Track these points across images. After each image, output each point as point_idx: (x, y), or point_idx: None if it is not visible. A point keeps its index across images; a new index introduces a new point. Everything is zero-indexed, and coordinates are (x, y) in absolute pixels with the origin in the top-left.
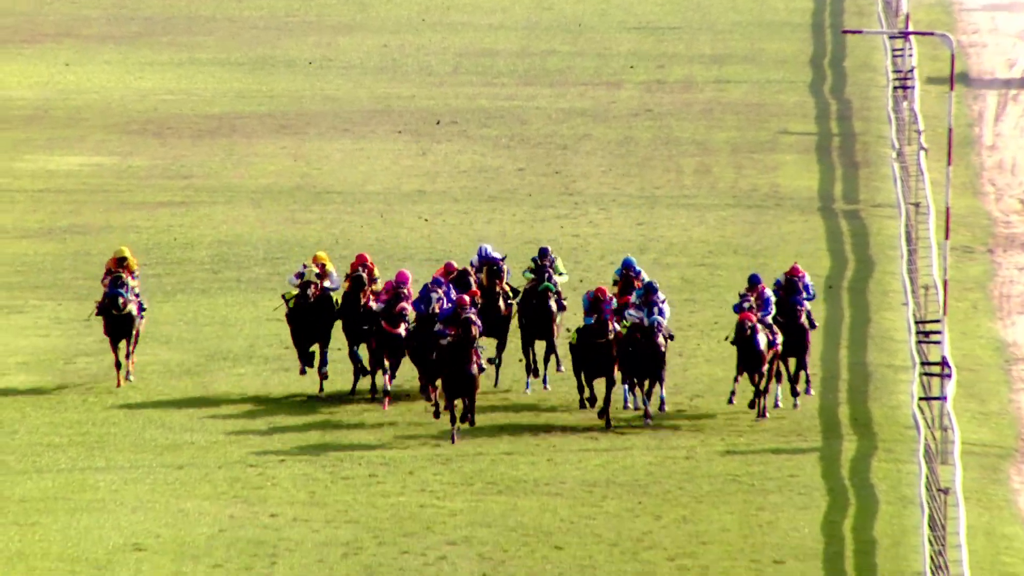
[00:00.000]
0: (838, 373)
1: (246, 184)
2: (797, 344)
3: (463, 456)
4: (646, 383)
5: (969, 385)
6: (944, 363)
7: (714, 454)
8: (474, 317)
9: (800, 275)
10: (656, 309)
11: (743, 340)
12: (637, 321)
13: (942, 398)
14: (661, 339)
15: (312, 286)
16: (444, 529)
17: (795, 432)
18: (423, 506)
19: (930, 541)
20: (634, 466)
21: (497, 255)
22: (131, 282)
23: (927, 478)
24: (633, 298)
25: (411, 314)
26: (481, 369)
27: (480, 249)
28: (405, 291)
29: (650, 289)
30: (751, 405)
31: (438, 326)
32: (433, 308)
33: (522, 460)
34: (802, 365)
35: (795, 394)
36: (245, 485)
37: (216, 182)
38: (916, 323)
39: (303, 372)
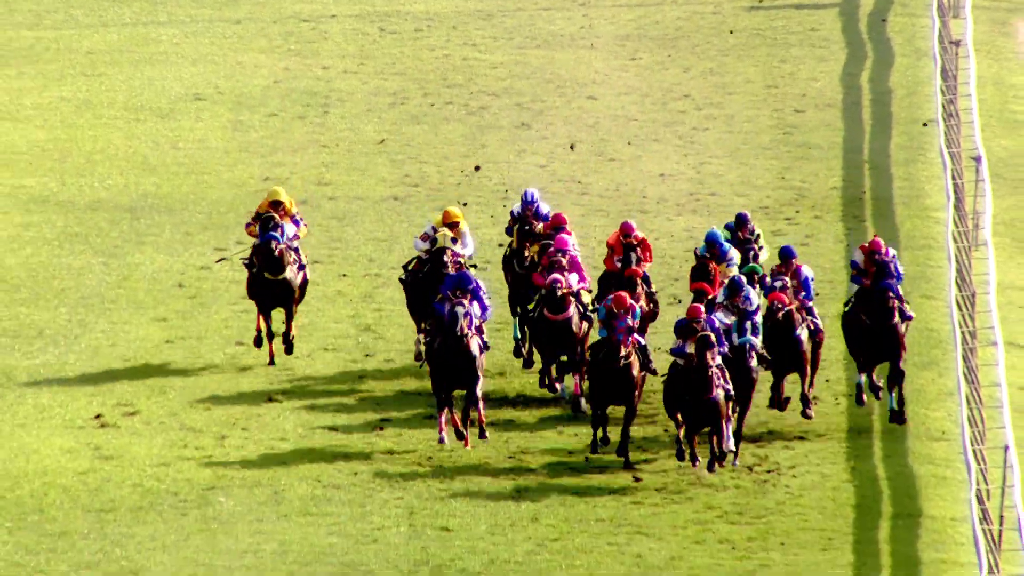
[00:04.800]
0: None
1: None
2: (889, 347)
3: (504, 11)
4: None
5: None
6: None
7: (740, 10)
8: (712, 337)
9: (882, 250)
10: (749, 325)
11: (776, 327)
12: (727, 328)
13: None
14: (754, 363)
15: (447, 253)
16: (486, 81)
17: None
18: (466, 59)
19: (942, 91)
20: (664, 21)
21: (546, 208)
22: (289, 229)
23: (940, 31)
24: (720, 295)
25: (567, 285)
26: (728, 395)
27: (525, 194)
28: (563, 260)
29: (735, 288)
30: (772, 403)
31: (677, 342)
32: (458, 319)
33: (559, 15)
34: (896, 378)
35: (899, 418)
36: (299, 39)
37: None
38: None
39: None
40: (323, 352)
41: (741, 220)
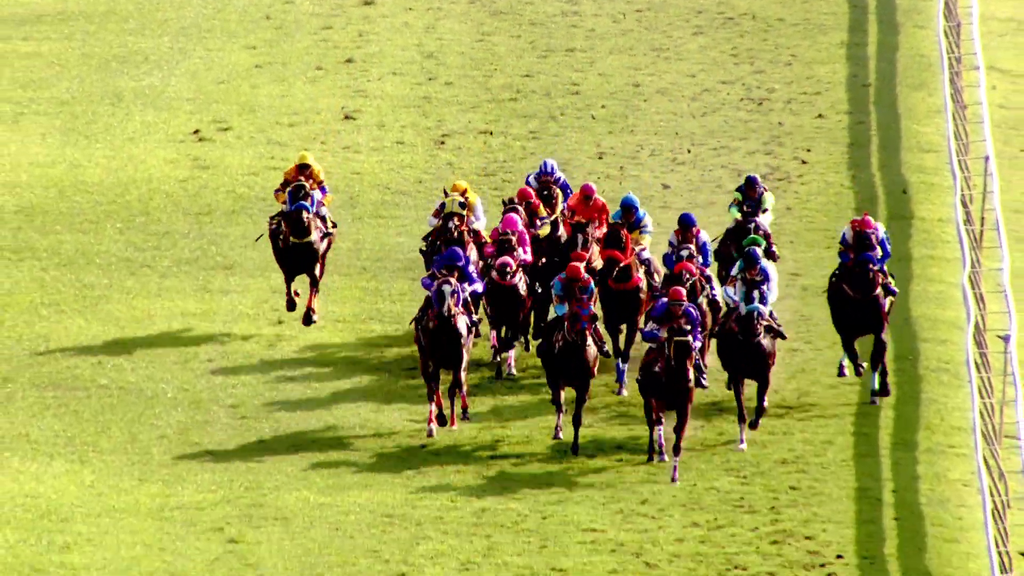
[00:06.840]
0: None
1: None
2: (871, 319)
3: None
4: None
5: None
6: None
7: None
8: (689, 343)
9: (872, 228)
10: (757, 294)
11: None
12: (732, 306)
13: None
14: (762, 331)
15: (455, 218)
16: None
17: None
18: None
19: None
20: None
21: (562, 175)
22: (317, 195)
23: None
24: (735, 270)
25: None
26: (700, 381)
27: (544, 164)
28: (512, 239)
29: (751, 260)
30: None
31: (650, 325)
32: (444, 298)
33: None
34: (878, 353)
35: (882, 392)
36: None
37: None
38: None
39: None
40: (391, 76)
41: (750, 182)
